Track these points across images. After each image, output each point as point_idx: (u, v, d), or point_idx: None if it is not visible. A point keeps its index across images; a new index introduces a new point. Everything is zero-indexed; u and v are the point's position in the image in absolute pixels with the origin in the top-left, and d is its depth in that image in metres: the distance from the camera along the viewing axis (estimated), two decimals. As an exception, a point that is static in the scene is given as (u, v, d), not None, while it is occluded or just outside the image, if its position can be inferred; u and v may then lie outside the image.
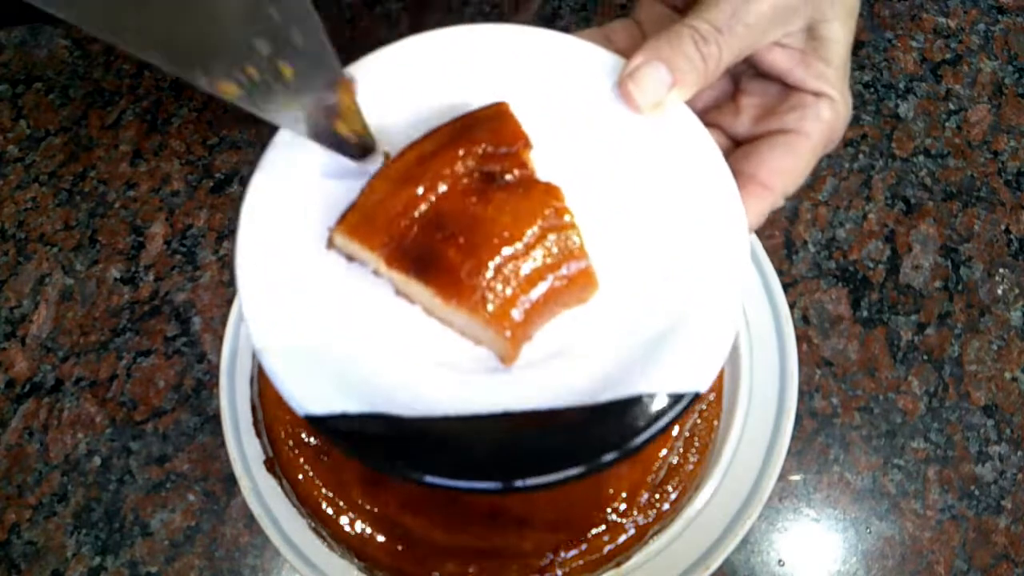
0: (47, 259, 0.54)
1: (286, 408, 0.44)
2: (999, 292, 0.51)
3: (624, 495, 0.41)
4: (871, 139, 0.55)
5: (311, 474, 0.43)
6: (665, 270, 0.30)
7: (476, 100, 0.31)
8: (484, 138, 0.29)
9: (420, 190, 0.28)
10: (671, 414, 0.26)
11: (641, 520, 0.41)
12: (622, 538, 0.41)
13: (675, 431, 0.42)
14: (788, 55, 0.33)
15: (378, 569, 0.42)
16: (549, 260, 0.28)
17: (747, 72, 0.36)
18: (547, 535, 0.41)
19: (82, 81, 0.60)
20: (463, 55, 0.33)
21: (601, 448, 0.26)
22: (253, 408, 0.46)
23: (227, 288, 0.52)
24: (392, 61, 0.33)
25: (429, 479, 0.25)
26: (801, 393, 0.48)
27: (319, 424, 0.26)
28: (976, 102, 0.56)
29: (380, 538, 0.41)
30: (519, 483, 0.25)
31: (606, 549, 0.41)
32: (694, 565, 0.43)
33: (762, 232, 0.52)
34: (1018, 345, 0.50)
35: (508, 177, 0.29)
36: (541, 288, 0.28)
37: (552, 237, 0.28)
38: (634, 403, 0.26)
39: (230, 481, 0.47)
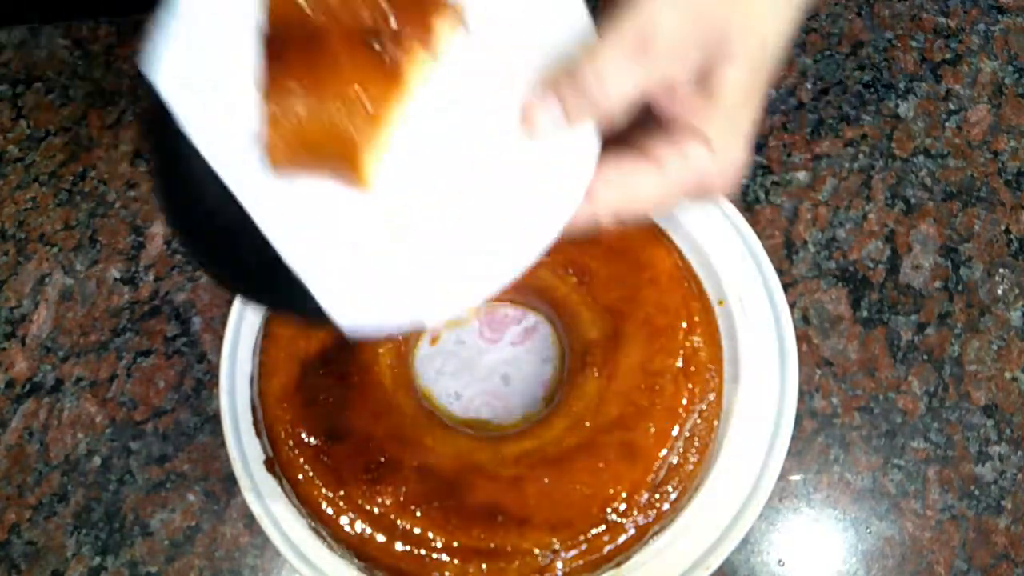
0: (47, 259, 0.54)
1: (286, 408, 0.44)
2: (999, 292, 0.51)
3: (624, 495, 0.41)
4: (871, 139, 0.55)
5: (311, 474, 0.43)
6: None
7: None
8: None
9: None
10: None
11: (641, 520, 0.41)
12: (622, 538, 0.41)
13: (675, 431, 0.42)
14: (665, 87, 0.30)
15: (378, 569, 0.42)
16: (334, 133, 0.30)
17: None
18: (547, 535, 0.41)
19: (82, 81, 0.60)
20: None
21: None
22: (253, 408, 0.46)
23: (227, 288, 0.53)
24: None
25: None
26: (801, 393, 0.48)
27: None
28: (976, 102, 0.56)
29: (380, 538, 0.41)
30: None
31: (606, 549, 0.41)
32: (694, 565, 0.43)
33: (762, 232, 0.52)
34: (1018, 345, 0.50)
35: (388, 51, 0.29)
36: (315, 151, 0.30)
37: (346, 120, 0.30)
38: None
39: (230, 481, 0.47)
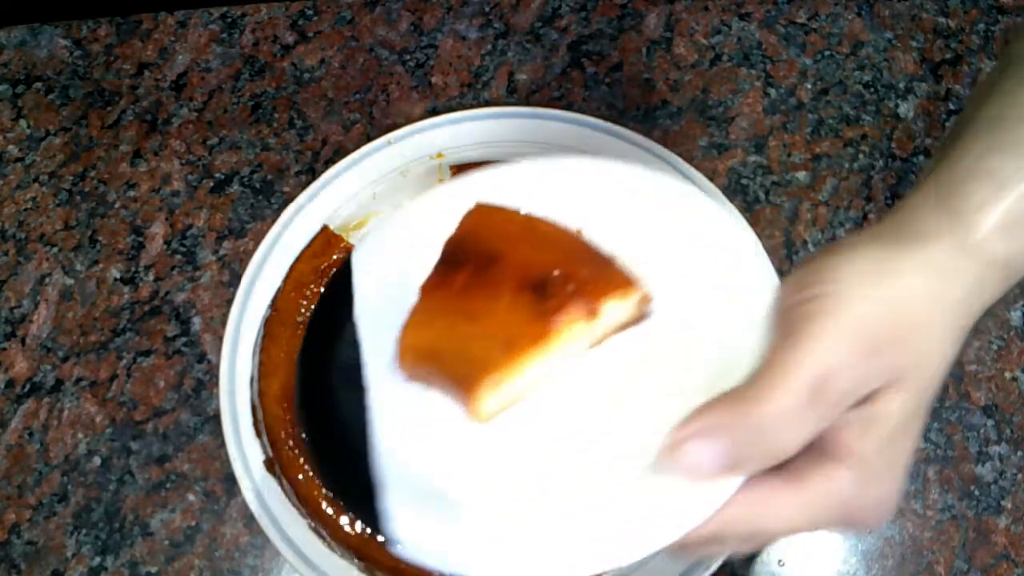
0: (47, 259, 0.54)
1: (286, 408, 0.44)
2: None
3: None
4: (871, 139, 0.55)
5: (311, 474, 0.43)
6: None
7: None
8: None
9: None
10: None
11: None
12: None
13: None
14: None
15: (378, 569, 0.42)
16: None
17: None
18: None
19: (82, 81, 0.60)
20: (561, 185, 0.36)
21: None
22: (253, 408, 0.46)
23: (227, 288, 0.52)
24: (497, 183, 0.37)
25: None
26: (801, 393, 0.48)
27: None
28: (976, 102, 0.56)
29: (380, 538, 0.41)
30: None
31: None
32: (694, 565, 0.43)
33: (762, 232, 0.52)
34: (1018, 345, 0.50)
35: (548, 304, 0.31)
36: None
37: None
38: None
39: (230, 481, 0.47)
